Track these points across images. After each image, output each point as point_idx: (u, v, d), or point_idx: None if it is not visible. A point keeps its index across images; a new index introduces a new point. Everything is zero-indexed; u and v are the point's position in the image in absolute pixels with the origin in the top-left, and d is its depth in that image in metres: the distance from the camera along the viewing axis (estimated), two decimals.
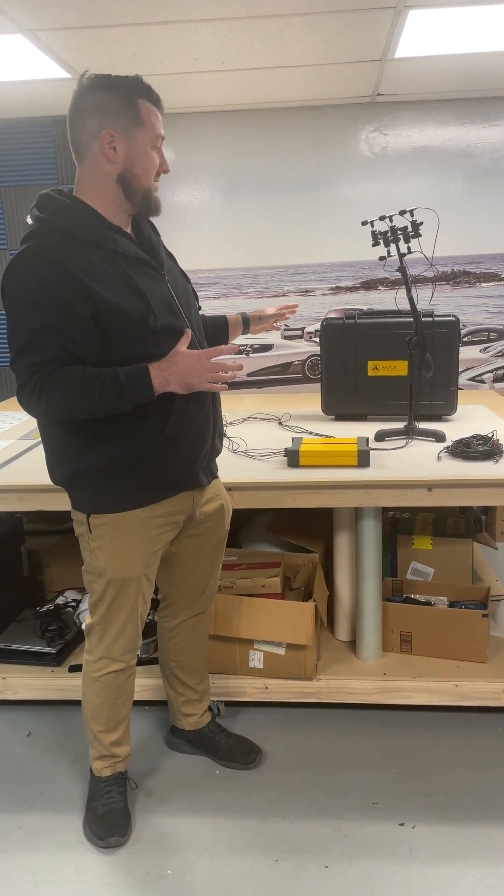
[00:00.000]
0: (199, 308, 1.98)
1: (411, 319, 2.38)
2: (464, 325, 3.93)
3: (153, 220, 1.81)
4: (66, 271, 1.55)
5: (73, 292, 1.55)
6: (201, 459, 1.82)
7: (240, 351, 4.00)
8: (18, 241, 4.16)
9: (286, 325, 4.02)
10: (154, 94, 1.67)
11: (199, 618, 2.08)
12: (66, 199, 1.64)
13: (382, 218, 2.38)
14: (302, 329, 4.07)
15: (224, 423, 1.96)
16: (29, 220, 1.64)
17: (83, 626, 2.50)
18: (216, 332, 2.13)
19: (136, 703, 2.35)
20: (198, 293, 1.96)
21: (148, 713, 2.40)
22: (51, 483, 2.15)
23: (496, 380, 4.07)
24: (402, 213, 2.36)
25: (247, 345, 4.03)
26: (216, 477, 1.94)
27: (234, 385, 4.05)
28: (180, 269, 1.88)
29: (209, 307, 3.86)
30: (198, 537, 1.94)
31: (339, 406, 2.81)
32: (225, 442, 2.48)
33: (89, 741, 1.96)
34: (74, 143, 1.66)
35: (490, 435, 2.30)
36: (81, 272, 1.56)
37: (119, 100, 1.62)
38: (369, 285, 3.98)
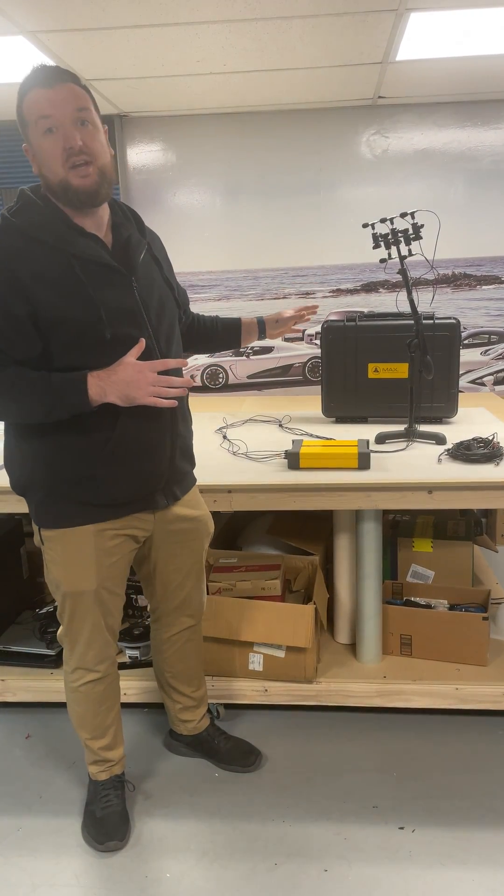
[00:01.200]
0: (182, 318, 1.90)
1: (412, 322, 2.38)
2: (464, 328, 3.93)
3: (152, 219, 1.76)
4: (7, 272, 1.51)
5: (10, 293, 1.51)
6: (157, 479, 1.73)
7: (239, 353, 4.00)
8: None
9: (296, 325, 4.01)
10: (40, 74, 1.55)
11: (190, 630, 2.06)
12: (36, 199, 1.61)
13: (383, 220, 2.38)
14: (303, 331, 4.06)
15: (191, 440, 1.86)
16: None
17: None
18: (227, 334, 2.09)
19: (134, 706, 2.35)
20: (193, 296, 1.89)
21: (146, 716, 2.40)
22: None
23: (497, 382, 4.07)
24: (403, 215, 2.36)
25: (247, 347, 4.03)
26: (179, 499, 1.82)
27: (234, 387, 4.05)
28: (164, 275, 1.78)
29: (209, 309, 3.87)
30: (174, 557, 1.89)
31: (340, 408, 2.81)
32: (225, 444, 2.48)
33: (83, 746, 1.96)
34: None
35: (490, 437, 2.30)
36: (26, 274, 1.51)
37: (19, 109, 1.58)
38: (370, 288, 3.98)
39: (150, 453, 1.70)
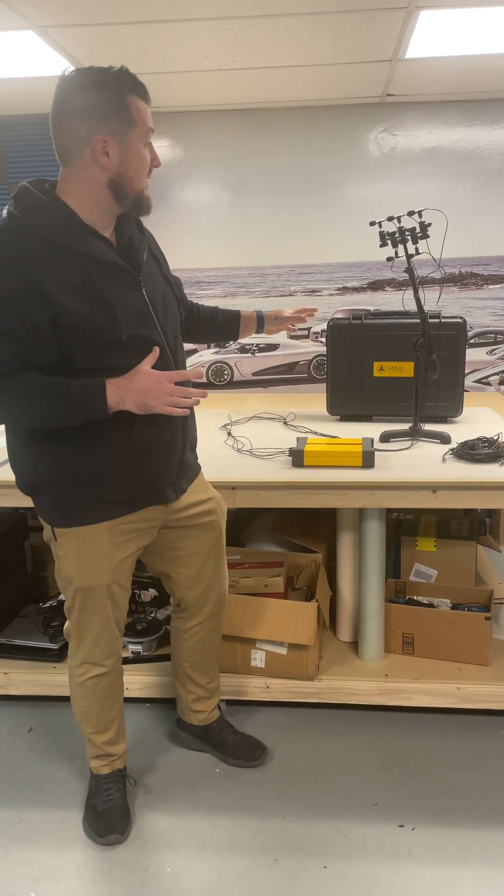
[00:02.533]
0: (182, 315, 1.91)
1: (418, 321, 2.37)
2: (470, 327, 3.92)
3: (144, 218, 1.72)
4: (25, 276, 1.48)
5: (30, 298, 1.49)
6: (167, 475, 1.75)
7: (245, 350, 4.00)
8: None
9: (292, 325, 4.01)
10: (141, 86, 1.57)
11: (213, 619, 2.07)
12: (43, 197, 1.56)
13: (390, 218, 2.38)
14: (308, 329, 4.06)
15: (197, 435, 1.89)
16: (3, 213, 1.56)
17: None
18: (226, 325, 2.09)
19: (137, 701, 2.36)
20: (199, 292, 1.90)
21: (148, 710, 2.40)
22: None
23: (502, 382, 4.06)
24: (410, 213, 2.36)
25: (253, 344, 4.03)
26: (185, 491, 1.84)
27: (239, 384, 4.05)
28: (164, 273, 1.78)
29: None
30: (192, 540, 1.91)
31: (345, 406, 2.80)
32: (230, 441, 2.48)
33: (85, 741, 1.97)
34: (61, 146, 1.56)
35: (495, 437, 2.30)
36: (42, 277, 1.49)
37: (109, 100, 1.51)
38: (376, 286, 3.98)
39: (162, 452, 1.72)
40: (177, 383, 1.61)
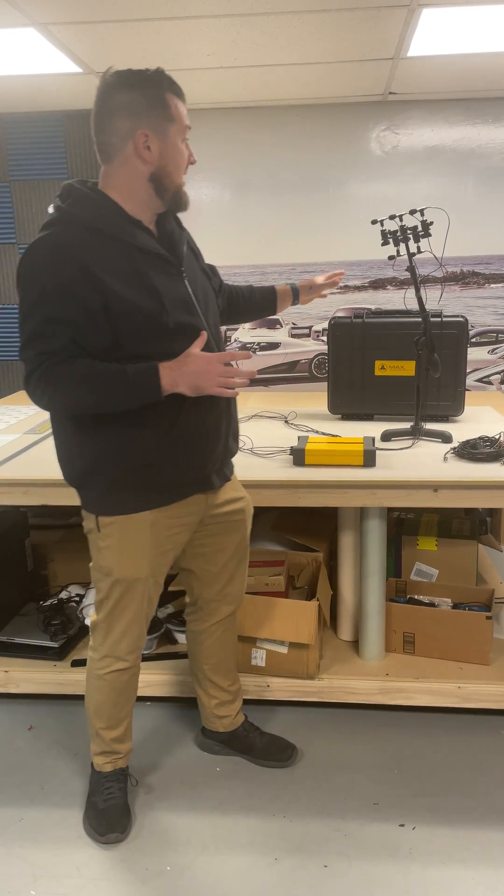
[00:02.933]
0: (221, 304, 1.97)
1: (420, 319, 2.37)
2: (472, 326, 3.92)
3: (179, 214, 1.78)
4: (79, 263, 1.53)
5: (84, 286, 1.54)
6: (213, 461, 1.79)
7: (244, 347, 4.00)
8: (28, 235, 4.18)
9: (293, 324, 4.02)
10: (177, 85, 1.65)
11: (230, 618, 2.07)
12: (88, 191, 1.63)
13: (392, 217, 2.37)
14: (309, 328, 4.06)
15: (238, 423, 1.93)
16: (50, 210, 1.62)
17: (87, 621, 2.51)
18: (264, 302, 2.14)
19: (138, 699, 2.35)
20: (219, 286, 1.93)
21: (150, 709, 2.40)
22: (55, 478, 2.16)
23: None
24: (412, 212, 2.36)
25: (254, 343, 4.03)
26: (229, 479, 1.90)
27: None
28: (202, 265, 1.85)
29: None
30: (220, 537, 1.92)
31: (346, 405, 2.80)
32: None
33: (91, 736, 1.96)
34: (104, 143, 1.62)
35: (497, 437, 2.30)
36: (95, 265, 1.54)
37: (149, 97, 1.59)
38: (378, 284, 3.97)
39: (208, 437, 1.75)
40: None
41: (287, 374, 4.07)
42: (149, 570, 1.78)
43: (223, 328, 2.20)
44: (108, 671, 1.87)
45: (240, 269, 3.94)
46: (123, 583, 1.78)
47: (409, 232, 2.36)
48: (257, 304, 2.12)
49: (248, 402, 3.28)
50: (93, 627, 1.89)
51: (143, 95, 1.58)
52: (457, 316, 2.69)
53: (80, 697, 2.36)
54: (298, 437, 2.38)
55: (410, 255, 2.35)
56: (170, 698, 2.37)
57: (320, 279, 2.21)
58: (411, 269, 2.36)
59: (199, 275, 1.79)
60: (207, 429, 1.74)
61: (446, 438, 2.41)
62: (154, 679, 2.35)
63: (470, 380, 3.96)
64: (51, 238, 1.56)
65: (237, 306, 2.10)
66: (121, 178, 1.62)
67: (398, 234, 2.36)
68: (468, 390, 2.84)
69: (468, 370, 3.33)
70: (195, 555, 1.93)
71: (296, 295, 2.17)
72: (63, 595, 2.69)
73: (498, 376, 4.05)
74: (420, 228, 2.35)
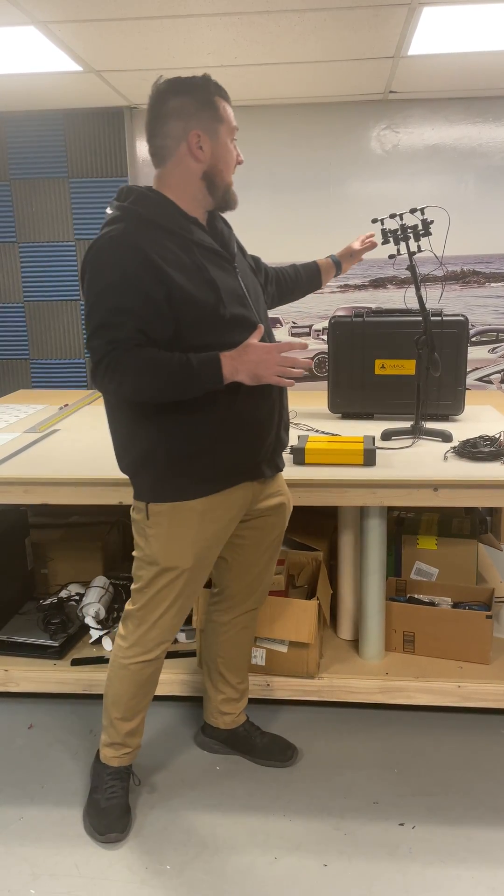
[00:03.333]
0: (270, 293, 2.07)
1: (420, 318, 2.37)
2: (472, 325, 3.91)
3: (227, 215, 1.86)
4: (144, 255, 1.59)
5: (149, 276, 1.60)
6: (265, 451, 1.82)
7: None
8: (28, 234, 4.18)
9: (294, 323, 4.02)
10: (224, 90, 1.73)
11: (251, 615, 2.09)
12: (146, 191, 1.71)
13: (393, 216, 2.37)
14: (310, 327, 4.06)
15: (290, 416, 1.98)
16: (108, 211, 1.70)
17: (87, 620, 2.52)
18: (311, 279, 2.22)
19: None
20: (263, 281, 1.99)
21: (149, 708, 2.40)
22: (55, 476, 2.17)
23: None
24: (412, 211, 2.35)
25: None
26: (280, 470, 1.93)
27: None
28: (250, 263, 1.92)
29: None
30: (258, 531, 1.95)
31: (346, 404, 2.80)
32: None
33: (104, 726, 1.96)
34: (157, 147, 1.71)
35: (497, 436, 2.29)
36: (157, 257, 1.60)
37: (199, 100, 1.67)
38: (378, 283, 3.97)
39: (260, 426, 1.79)
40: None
41: None
42: (193, 561, 1.80)
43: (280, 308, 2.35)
44: (134, 661, 1.88)
45: None
46: (167, 572, 1.80)
47: (409, 231, 2.35)
48: (304, 282, 2.22)
49: None
50: (125, 616, 1.90)
51: (193, 99, 1.67)
52: (457, 315, 2.69)
53: (81, 696, 2.38)
54: (298, 436, 2.38)
55: (411, 254, 2.35)
56: (170, 697, 2.37)
57: (357, 244, 2.30)
58: (412, 267, 2.36)
59: (249, 271, 1.87)
60: (260, 417, 1.78)
61: (446, 437, 2.41)
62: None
63: (470, 379, 3.96)
64: (115, 232, 1.63)
65: (286, 287, 2.18)
66: (175, 178, 1.70)
67: (398, 232, 2.36)
68: (468, 389, 2.84)
69: (468, 369, 3.33)
70: (232, 545, 1.95)
71: (338, 266, 2.28)
72: (63, 594, 2.69)
73: (498, 375, 4.05)
74: (420, 227, 2.35)
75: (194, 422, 1.70)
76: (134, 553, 1.86)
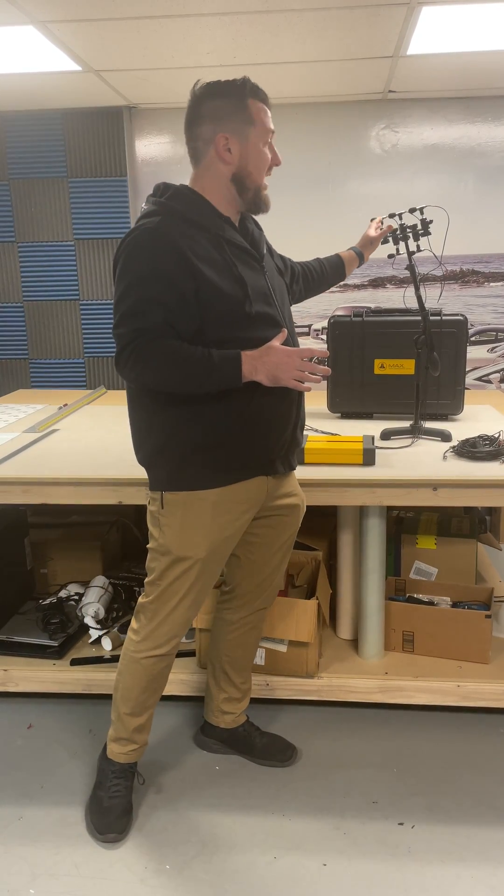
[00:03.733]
0: (297, 291, 2.14)
1: (419, 318, 2.37)
2: (471, 325, 3.92)
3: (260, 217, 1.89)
4: (175, 248, 1.63)
5: (178, 269, 1.63)
6: (279, 447, 1.84)
7: None
8: (27, 234, 4.18)
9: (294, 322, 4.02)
10: (261, 92, 1.75)
11: (259, 614, 2.09)
12: (181, 188, 1.75)
13: (392, 215, 2.37)
14: (309, 326, 4.06)
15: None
16: (144, 206, 1.75)
17: (86, 620, 2.52)
18: (334, 271, 2.29)
19: None
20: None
21: None
22: (55, 476, 2.17)
23: (503, 380, 4.06)
24: (411, 210, 2.35)
25: None
26: (293, 469, 1.95)
27: None
28: (277, 264, 1.95)
29: None
30: (272, 529, 1.96)
31: (345, 404, 2.80)
32: None
33: (112, 721, 1.96)
34: (192, 149, 1.76)
35: (496, 435, 2.29)
36: (190, 252, 1.64)
37: (231, 104, 1.70)
38: (377, 283, 3.97)
39: (277, 422, 1.81)
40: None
41: None
42: (206, 552, 1.80)
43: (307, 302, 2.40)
44: (146, 655, 1.88)
45: None
46: (180, 562, 1.81)
47: (408, 230, 2.36)
48: (329, 275, 2.28)
49: None
50: (138, 610, 1.91)
51: (225, 102, 1.71)
52: (456, 314, 2.69)
53: (80, 696, 2.38)
54: None
55: (410, 254, 2.35)
56: (170, 697, 2.37)
57: (372, 231, 2.39)
58: (411, 267, 2.36)
59: (276, 272, 1.90)
60: (278, 414, 1.79)
61: (446, 437, 2.41)
62: None
63: (469, 378, 3.96)
64: (149, 225, 1.66)
65: (312, 282, 2.24)
66: (207, 179, 1.75)
67: (398, 232, 2.36)
68: (468, 389, 2.84)
69: (468, 369, 3.33)
70: (245, 542, 1.96)
71: (360, 257, 2.36)
72: (62, 594, 2.69)
73: (497, 375, 4.05)
74: (420, 227, 2.35)
75: (212, 414, 1.72)
76: (148, 545, 1.87)
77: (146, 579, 1.88)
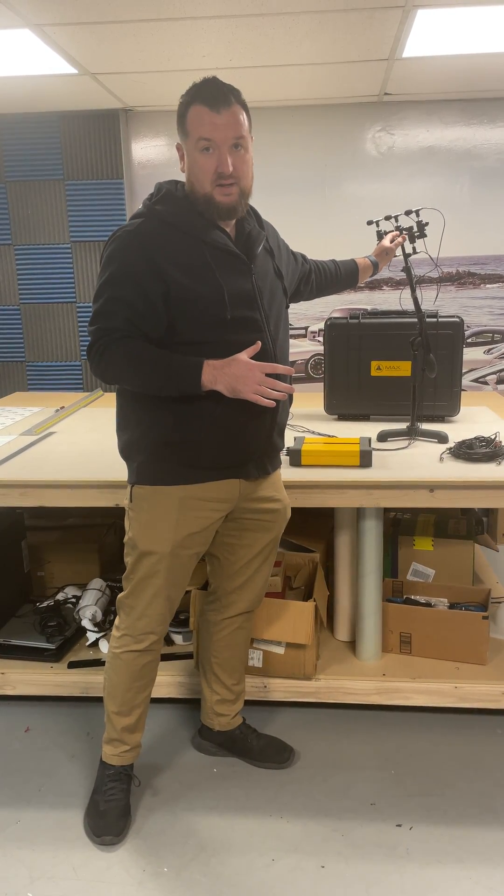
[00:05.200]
0: (288, 305, 2.04)
1: (416, 320, 2.37)
2: (468, 327, 3.92)
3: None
4: (148, 255, 1.66)
5: (147, 274, 1.66)
6: (253, 450, 1.83)
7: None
8: (24, 236, 4.18)
9: (290, 324, 4.03)
10: (209, 92, 1.64)
11: (245, 616, 2.09)
12: (174, 190, 1.76)
13: (388, 218, 2.38)
14: (305, 328, 4.06)
15: (287, 420, 1.98)
16: (140, 207, 1.79)
17: (83, 623, 2.51)
18: (349, 276, 2.32)
19: None
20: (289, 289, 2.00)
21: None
22: (52, 479, 2.17)
23: (499, 381, 4.06)
24: (407, 213, 2.36)
25: None
26: (269, 474, 1.93)
27: None
28: (275, 265, 1.90)
29: None
30: (251, 533, 1.95)
31: (342, 406, 2.80)
32: None
33: (105, 722, 1.97)
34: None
35: (492, 437, 2.30)
36: (162, 257, 1.66)
37: (179, 112, 1.70)
38: (374, 285, 3.98)
39: (250, 426, 1.80)
40: (270, 376, 1.70)
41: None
42: (171, 547, 1.81)
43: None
44: (125, 650, 1.89)
45: None
46: (146, 557, 1.83)
47: (404, 232, 2.36)
48: (343, 278, 2.31)
49: None
50: (118, 605, 1.93)
51: (179, 111, 1.70)
52: (452, 316, 2.69)
53: (78, 699, 2.38)
54: (295, 438, 2.38)
55: (406, 256, 2.36)
56: (167, 699, 2.37)
57: (387, 242, 2.40)
58: (407, 269, 2.37)
59: (270, 275, 1.87)
60: (251, 416, 1.78)
61: (442, 439, 2.42)
62: (157, 680, 2.34)
63: (466, 380, 3.97)
64: (130, 227, 1.71)
65: (324, 281, 2.25)
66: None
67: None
68: (464, 390, 2.85)
69: (464, 370, 3.34)
70: (223, 544, 1.97)
71: (375, 267, 2.38)
72: (60, 596, 2.69)
73: (494, 376, 4.06)
74: (416, 229, 2.36)
75: (184, 412, 1.73)
76: (124, 539, 1.89)
77: (124, 575, 1.90)
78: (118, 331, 1.69)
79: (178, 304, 1.67)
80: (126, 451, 1.85)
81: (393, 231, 2.41)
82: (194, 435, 1.75)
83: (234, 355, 1.68)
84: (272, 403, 1.70)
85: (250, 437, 1.81)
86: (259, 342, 1.71)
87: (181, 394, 1.68)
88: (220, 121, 1.63)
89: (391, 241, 2.40)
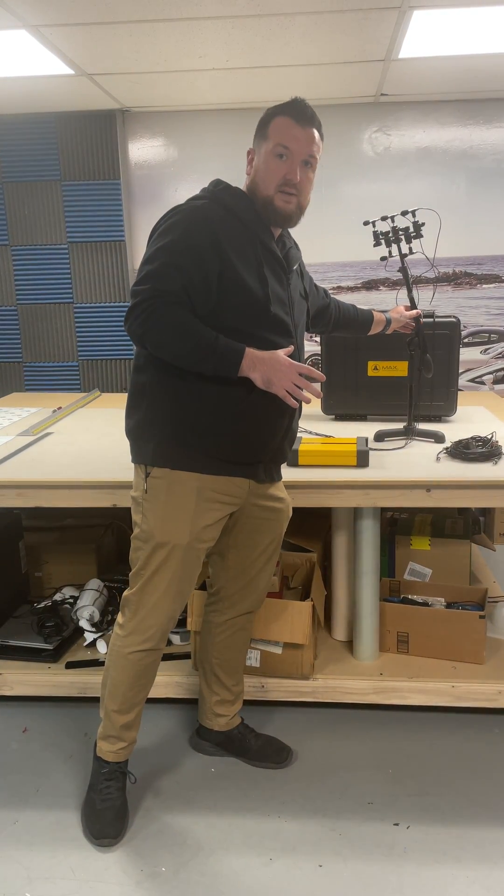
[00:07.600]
0: (322, 329, 2.24)
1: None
2: (464, 327, 3.93)
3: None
4: (210, 228, 1.69)
5: (209, 250, 1.68)
6: (266, 453, 1.86)
7: None
8: (21, 237, 4.18)
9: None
10: (297, 108, 1.78)
11: (246, 617, 2.09)
12: (234, 187, 1.81)
13: (384, 218, 2.38)
14: None
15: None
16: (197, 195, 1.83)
17: (81, 623, 2.51)
18: (363, 324, 2.35)
19: None
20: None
21: (144, 710, 2.39)
22: (49, 479, 2.17)
23: (496, 381, 4.07)
24: (403, 213, 2.36)
25: None
26: (274, 481, 1.95)
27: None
28: (304, 287, 1.98)
29: None
30: (255, 532, 1.96)
31: (339, 406, 2.81)
32: None
33: (101, 717, 1.96)
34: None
35: (489, 436, 2.30)
36: (224, 237, 1.69)
37: (262, 121, 1.80)
38: (370, 285, 3.99)
39: (270, 424, 1.83)
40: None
41: None
42: (189, 538, 1.81)
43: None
44: (133, 650, 1.88)
45: None
46: (161, 549, 1.81)
47: (400, 233, 2.36)
48: (358, 324, 2.35)
49: None
50: (123, 603, 1.91)
51: (261, 121, 1.81)
52: (449, 316, 2.70)
53: (76, 699, 2.38)
54: None
55: (402, 256, 2.36)
56: (165, 700, 2.37)
57: (406, 313, 2.40)
58: (403, 269, 2.37)
59: (299, 292, 1.93)
60: (272, 415, 1.81)
61: (439, 438, 2.42)
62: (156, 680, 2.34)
63: (462, 380, 3.98)
64: (192, 205, 1.75)
65: (342, 320, 2.31)
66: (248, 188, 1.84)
67: (390, 235, 2.37)
68: (461, 390, 2.85)
69: (460, 370, 3.35)
70: (228, 544, 1.98)
71: (388, 325, 2.38)
72: (57, 597, 2.69)
73: (490, 376, 4.06)
74: (412, 229, 2.36)
75: (209, 399, 1.75)
76: (132, 536, 1.87)
77: (130, 572, 1.88)
78: (173, 294, 1.67)
79: (228, 287, 1.70)
80: (139, 430, 1.83)
81: (414, 310, 2.40)
82: (216, 424, 1.77)
83: (275, 350, 1.72)
84: (296, 405, 1.75)
85: (267, 436, 1.84)
86: (292, 346, 1.77)
87: (215, 373, 1.70)
88: (301, 135, 1.75)
89: (408, 321, 2.40)
